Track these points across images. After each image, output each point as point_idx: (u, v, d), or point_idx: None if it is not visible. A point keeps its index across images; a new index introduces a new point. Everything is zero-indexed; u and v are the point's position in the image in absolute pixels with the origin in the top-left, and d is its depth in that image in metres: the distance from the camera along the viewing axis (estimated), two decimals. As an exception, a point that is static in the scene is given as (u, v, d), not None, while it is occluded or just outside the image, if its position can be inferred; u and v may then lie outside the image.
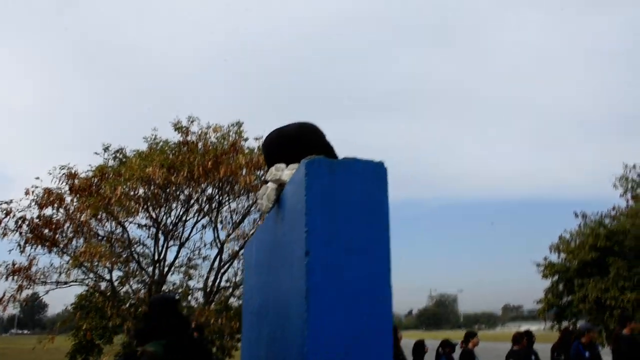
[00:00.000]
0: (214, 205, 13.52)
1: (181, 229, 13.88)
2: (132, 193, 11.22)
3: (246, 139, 12.42)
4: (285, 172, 2.62)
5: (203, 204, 13.53)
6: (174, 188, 12.37)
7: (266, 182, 2.66)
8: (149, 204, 12.69)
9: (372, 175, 2.07)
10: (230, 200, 13.66)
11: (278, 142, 2.88)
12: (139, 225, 13.50)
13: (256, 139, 12.61)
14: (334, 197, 2.02)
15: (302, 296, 1.94)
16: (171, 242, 13.74)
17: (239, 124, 13.00)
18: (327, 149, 2.79)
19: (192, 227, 14.01)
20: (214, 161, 11.21)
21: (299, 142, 2.79)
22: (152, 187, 11.86)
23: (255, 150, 12.19)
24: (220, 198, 13.38)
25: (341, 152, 2.64)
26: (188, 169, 11.04)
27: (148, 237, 13.49)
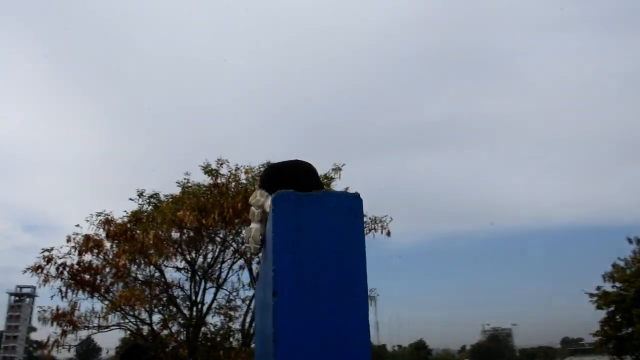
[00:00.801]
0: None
1: (218, 270, 13.94)
2: (166, 237, 11.39)
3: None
4: (268, 201, 2.54)
5: (238, 245, 13.57)
6: (209, 230, 12.49)
7: (249, 205, 2.59)
8: (184, 247, 12.84)
9: (346, 209, 1.96)
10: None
11: (279, 179, 2.86)
12: (177, 269, 13.63)
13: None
14: (303, 234, 1.92)
15: (272, 340, 1.83)
16: (208, 284, 13.80)
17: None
18: (321, 188, 2.77)
19: (229, 269, 14.05)
20: (243, 202, 11.27)
21: (297, 179, 2.76)
22: (186, 231, 12.02)
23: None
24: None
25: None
26: (219, 211, 11.14)
27: (186, 279, 13.58)
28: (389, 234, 12.45)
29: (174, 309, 13.40)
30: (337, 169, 13.38)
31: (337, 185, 13.18)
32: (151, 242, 10.87)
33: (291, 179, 2.62)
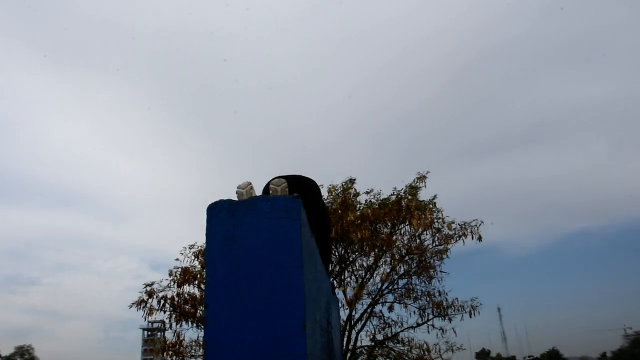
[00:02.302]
0: (342, 265, 13.48)
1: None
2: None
3: (357, 194, 12.35)
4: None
5: (333, 266, 13.58)
6: None
7: None
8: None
9: (282, 212, 1.84)
10: (357, 256, 13.51)
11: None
12: None
13: (367, 192, 12.48)
14: (236, 242, 1.83)
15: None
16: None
17: (351, 181, 13.03)
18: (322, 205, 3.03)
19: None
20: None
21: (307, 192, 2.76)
22: None
23: (364, 203, 12.05)
24: (348, 256, 13.31)
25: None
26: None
27: None
28: (480, 238, 11.73)
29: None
30: (422, 177, 12.95)
31: (423, 194, 12.75)
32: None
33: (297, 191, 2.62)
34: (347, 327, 13.15)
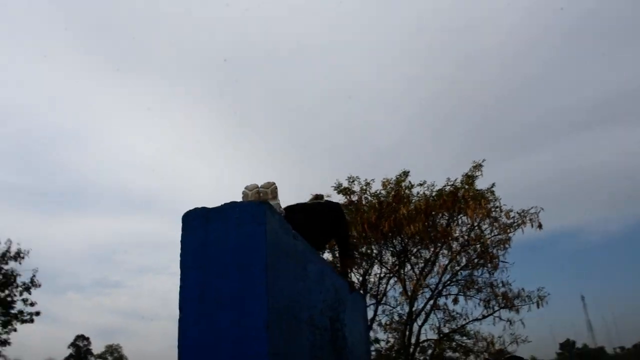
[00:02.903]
0: (401, 258, 13.37)
1: (376, 286, 13.96)
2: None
3: (410, 187, 12.19)
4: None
5: (392, 259, 13.49)
6: (363, 249, 12.66)
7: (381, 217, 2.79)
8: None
9: (249, 219, 1.92)
10: (415, 250, 13.34)
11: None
12: None
13: (420, 184, 12.30)
14: (207, 248, 1.92)
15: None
16: (370, 301, 13.87)
17: (405, 173, 12.89)
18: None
19: (387, 284, 13.96)
20: (376, 216, 11.24)
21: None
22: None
23: (417, 195, 11.88)
24: (405, 250, 13.18)
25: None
26: (355, 229, 11.26)
27: None
28: (540, 226, 11.25)
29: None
30: (478, 166, 12.59)
31: (480, 183, 12.40)
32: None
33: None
34: (409, 321, 13.05)
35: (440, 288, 13.32)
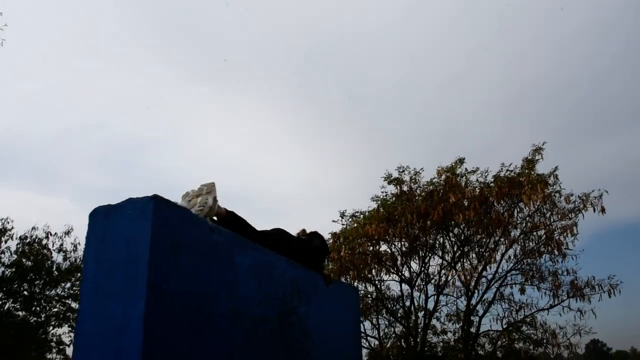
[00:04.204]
0: (465, 249, 12.98)
1: (437, 276, 13.65)
2: (362, 252, 11.83)
3: (464, 174, 11.78)
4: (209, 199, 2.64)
5: (453, 249, 13.14)
6: (423, 239, 12.44)
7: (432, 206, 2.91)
8: (397, 258, 12.98)
9: (139, 214, 1.99)
10: (481, 238, 12.86)
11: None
12: (401, 279, 13.67)
13: (473, 171, 11.84)
14: (104, 243, 2.02)
15: (79, 347, 1.95)
16: (431, 291, 13.62)
17: (460, 161, 12.48)
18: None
19: (447, 274, 13.62)
20: (426, 205, 10.99)
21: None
22: (402, 242, 12.20)
23: (473, 182, 11.46)
24: (469, 238, 12.77)
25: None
26: (405, 219, 11.08)
27: (413, 288, 13.54)
28: (603, 210, 10.47)
29: (391, 319, 13.60)
30: (538, 150, 11.96)
31: (542, 167, 11.76)
32: (348, 258, 11.43)
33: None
34: (470, 312, 12.64)
35: (503, 277, 12.80)
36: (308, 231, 3.76)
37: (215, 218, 2.59)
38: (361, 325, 13.41)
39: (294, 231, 3.61)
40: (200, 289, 2.14)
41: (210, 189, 2.56)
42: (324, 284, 3.41)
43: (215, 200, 2.56)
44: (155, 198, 1.99)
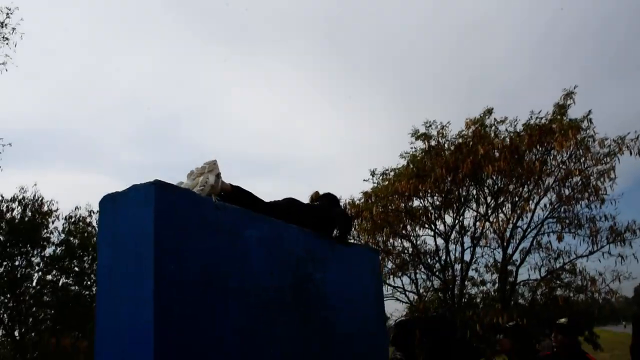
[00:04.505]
0: (500, 199, 12.84)
1: (474, 228, 13.57)
2: (394, 209, 11.86)
3: (491, 125, 11.52)
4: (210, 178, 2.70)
5: (486, 200, 13.02)
6: (456, 192, 12.35)
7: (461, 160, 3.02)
8: (430, 212, 12.95)
9: (143, 200, 2.08)
10: (517, 188, 12.66)
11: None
12: (436, 233, 13.65)
13: (502, 121, 11.56)
14: (115, 229, 2.13)
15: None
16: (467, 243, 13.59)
17: (489, 111, 12.20)
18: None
19: (483, 225, 13.51)
20: (455, 158, 10.85)
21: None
22: (431, 196, 12.17)
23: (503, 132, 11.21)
24: (503, 188, 12.59)
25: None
26: (434, 174, 11.00)
27: (449, 242, 13.51)
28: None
29: (429, 273, 13.71)
30: (569, 94, 11.56)
31: (574, 112, 11.38)
32: (382, 216, 11.50)
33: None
34: (506, 262, 12.60)
35: (539, 226, 12.64)
36: (321, 194, 3.78)
37: (222, 194, 2.67)
38: (399, 280, 13.67)
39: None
40: (210, 265, 2.24)
41: (212, 167, 2.62)
42: (341, 248, 3.45)
43: (218, 177, 2.62)
44: (156, 183, 2.07)
